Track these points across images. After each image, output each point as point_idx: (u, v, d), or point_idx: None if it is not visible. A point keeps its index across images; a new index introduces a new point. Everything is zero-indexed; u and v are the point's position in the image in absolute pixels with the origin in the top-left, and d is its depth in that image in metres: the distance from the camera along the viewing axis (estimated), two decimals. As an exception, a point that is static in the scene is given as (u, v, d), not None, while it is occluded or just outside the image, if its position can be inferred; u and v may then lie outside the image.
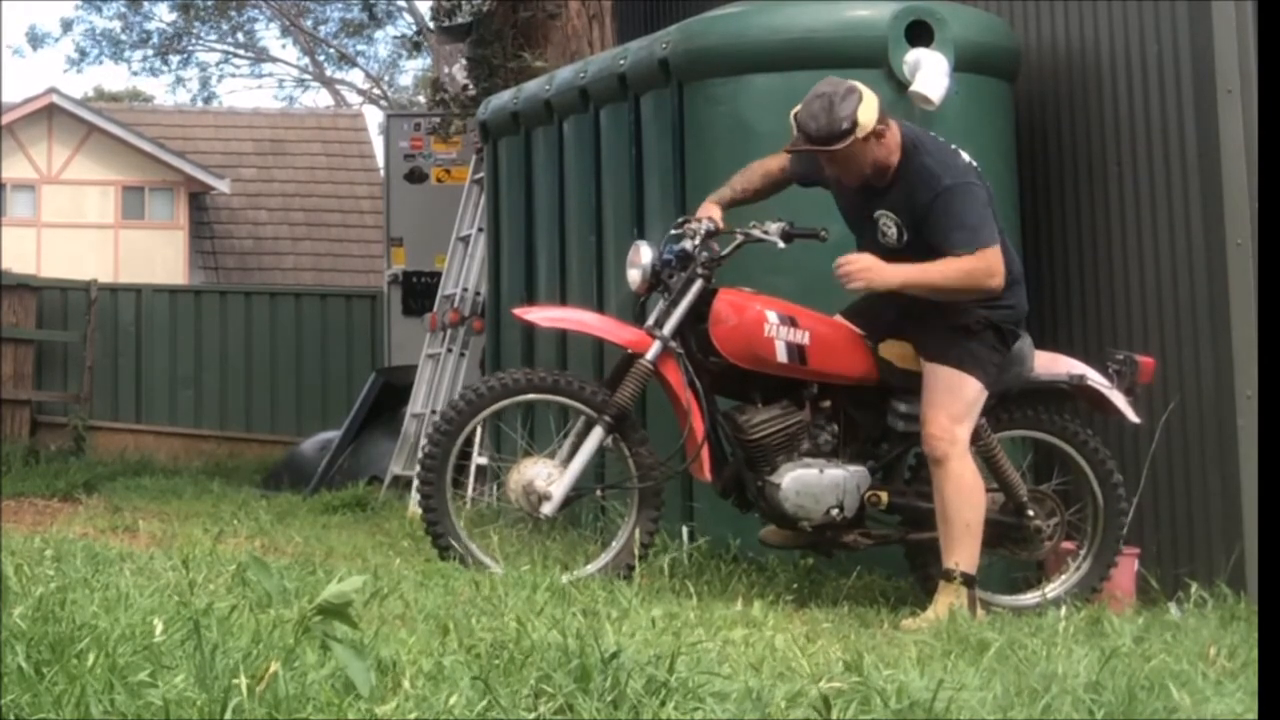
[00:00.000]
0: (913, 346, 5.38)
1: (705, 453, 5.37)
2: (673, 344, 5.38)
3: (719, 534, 5.91)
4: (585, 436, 5.39)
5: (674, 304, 5.40)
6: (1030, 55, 7.00)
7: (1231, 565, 5.72)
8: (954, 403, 5.22)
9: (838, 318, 5.50)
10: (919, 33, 6.35)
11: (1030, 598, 5.58)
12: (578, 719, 2.77)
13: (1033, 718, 3.13)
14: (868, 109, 5.16)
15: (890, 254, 5.26)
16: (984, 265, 5.14)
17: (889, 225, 5.28)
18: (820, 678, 3.20)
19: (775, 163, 5.63)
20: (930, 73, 6.27)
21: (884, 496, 5.41)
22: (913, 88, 6.26)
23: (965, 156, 5.34)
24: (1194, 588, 5.38)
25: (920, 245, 5.21)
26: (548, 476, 5.33)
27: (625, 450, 5.44)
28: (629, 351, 5.44)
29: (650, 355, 5.36)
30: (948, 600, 5.10)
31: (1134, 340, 6.40)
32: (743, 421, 5.40)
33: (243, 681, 2.60)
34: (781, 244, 5.38)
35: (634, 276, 5.54)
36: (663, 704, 2.83)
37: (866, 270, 5.16)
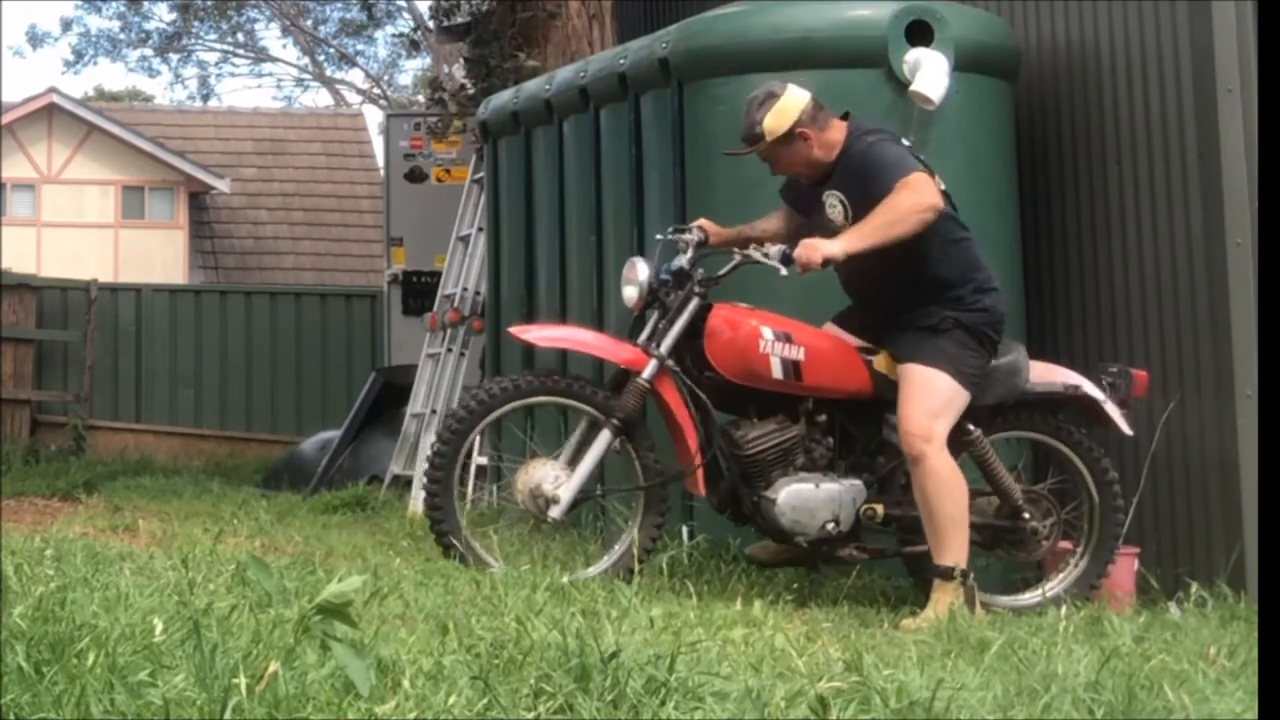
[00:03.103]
0: (890, 356, 5.39)
1: (700, 469, 5.37)
2: (669, 362, 5.38)
3: (719, 533, 5.91)
4: (591, 439, 5.39)
5: (671, 323, 5.40)
6: (1030, 55, 7.00)
7: (1231, 565, 5.72)
8: (927, 397, 5.22)
9: (829, 326, 5.52)
10: (919, 32, 6.35)
11: (1030, 597, 5.58)
12: (577, 718, 2.77)
13: (1033, 717, 3.13)
14: (777, 115, 5.34)
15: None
16: (908, 192, 5.15)
17: (834, 205, 5.35)
18: (820, 677, 3.20)
19: None
20: (930, 72, 6.27)
21: (880, 509, 5.40)
22: (913, 87, 6.26)
23: (906, 143, 5.42)
24: (1194, 587, 5.38)
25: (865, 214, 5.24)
26: (555, 479, 5.32)
27: (632, 453, 5.44)
28: (624, 369, 5.44)
29: (646, 374, 5.36)
30: (946, 599, 5.10)
31: (1134, 339, 6.40)
32: (738, 437, 5.39)
33: (242, 681, 2.60)
34: (784, 270, 5.31)
35: (630, 294, 5.53)
36: (662, 703, 2.83)
37: (813, 249, 5.19)
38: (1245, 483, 5.83)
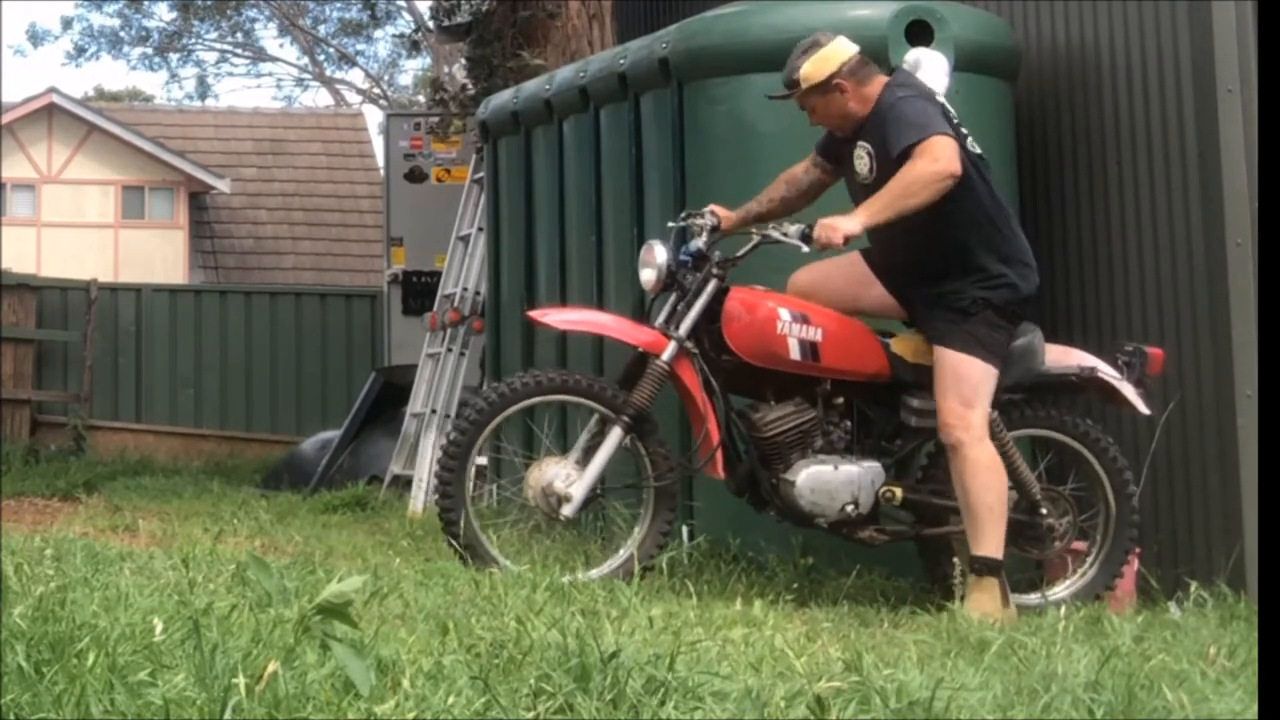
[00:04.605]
0: (919, 330, 5.40)
1: (719, 453, 5.37)
2: (688, 344, 5.38)
3: (719, 533, 5.91)
4: (602, 437, 5.38)
5: (689, 304, 5.39)
6: (1030, 55, 7.00)
7: (1231, 565, 5.71)
8: (961, 386, 5.22)
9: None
10: (919, 32, 6.35)
11: (1033, 598, 5.57)
12: (577, 718, 2.77)
13: (1033, 717, 3.13)
14: (816, 63, 5.36)
15: (864, 190, 5.31)
16: (928, 158, 5.12)
17: (862, 157, 5.36)
18: (819, 677, 3.20)
19: (800, 167, 5.69)
20: (930, 72, 6.25)
21: (898, 492, 5.40)
22: (913, 87, 6.26)
23: (944, 104, 5.40)
24: (1194, 587, 5.38)
25: (888, 174, 5.22)
26: (566, 478, 5.32)
27: (642, 450, 5.42)
28: (641, 352, 5.44)
29: (666, 356, 5.35)
30: (986, 595, 5.11)
31: (1134, 339, 6.38)
32: (756, 419, 5.39)
33: (242, 681, 2.61)
34: (805, 248, 5.31)
35: (648, 276, 5.53)
36: (662, 703, 2.83)
37: (832, 229, 5.17)
38: (1245, 483, 5.83)
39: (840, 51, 5.38)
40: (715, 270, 5.40)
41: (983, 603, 5.09)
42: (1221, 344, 6.01)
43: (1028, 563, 5.81)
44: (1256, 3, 5.88)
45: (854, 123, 5.40)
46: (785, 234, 5.36)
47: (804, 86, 5.38)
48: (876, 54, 6.29)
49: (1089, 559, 5.66)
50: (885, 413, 5.49)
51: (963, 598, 5.15)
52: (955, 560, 5.32)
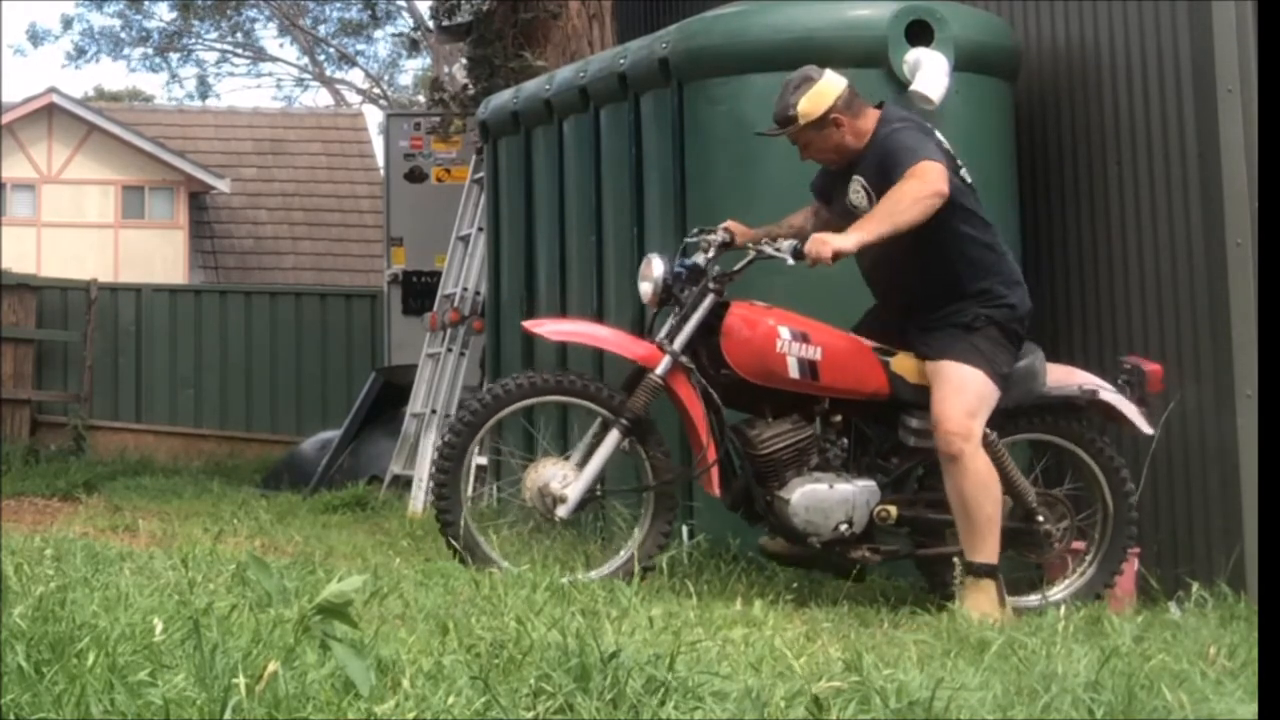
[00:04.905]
0: (916, 355, 5.38)
1: (715, 468, 5.36)
2: (683, 359, 5.36)
3: (719, 533, 5.91)
4: (601, 439, 5.37)
5: (685, 319, 5.37)
6: (1030, 55, 7.01)
7: (1231, 565, 5.72)
8: (963, 396, 5.21)
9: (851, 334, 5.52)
10: (919, 32, 6.36)
11: (1033, 599, 5.57)
12: (577, 718, 2.77)
13: (1033, 717, 3.13)
14: (812, 99, 5.35)
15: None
16: (913, 181, 5.13)
17: (858, 190, 5.36)
18: (820, 677, 3.20)
19: (809, 209, 5.72)
20: (930, 72, 6.27)
21: (893, 511, 5.39)
22: (913, 87, 6.27)
23: (938, 135, 5.40)
24: (1194, 587, 5.38)
25: None
26: (563, 478, 5.31)
27: (642, 454, 5.41)
28: (638, 365, 5.43)
29: (660, 370, 5.33)
30: (981, 597, 5.11)
31: (1134, 340, 6.40)
32: (752, 436, 5.37)
33: (242, 681, 2.61)
34: (791, 260, 5.30)
35: (645, 290, 5.52)
36: (662, 703, 2.83)
37: (822, 243, 5.15)
38: (1245, 483, 5.83)
39: (834, 86, 5.39)
40: (712, 285, 5.39)
41: (980, 603, 5.10)
42: (1221, 344, 6.01)
43: (1027, 564, 5.81)
44: (1256, 3, 5.88)
45: (848, 155, 5.41)
46: (778, 249, 5.36)
47: (801, 123, 5.37)
48: (876, 54, 6.31)
49: (1088, 558, 5.66)
50: (883, 431, 5.47)
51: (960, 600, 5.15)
52: (955, 561, 5.32)
